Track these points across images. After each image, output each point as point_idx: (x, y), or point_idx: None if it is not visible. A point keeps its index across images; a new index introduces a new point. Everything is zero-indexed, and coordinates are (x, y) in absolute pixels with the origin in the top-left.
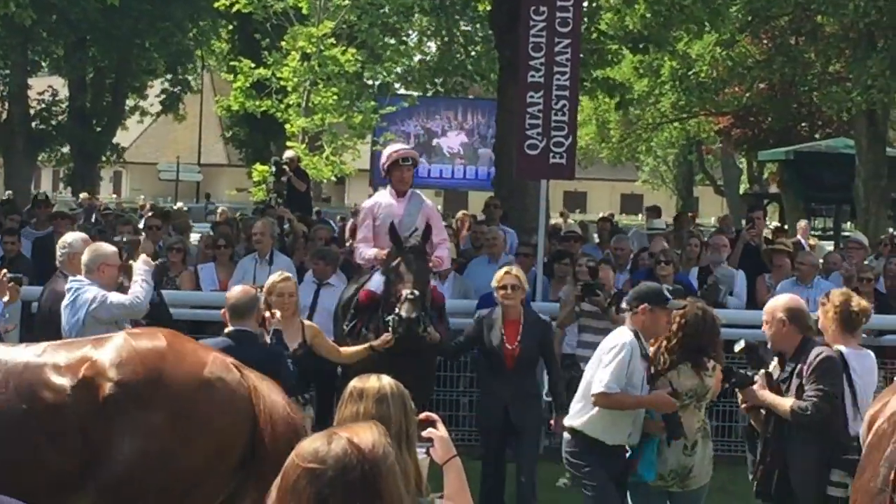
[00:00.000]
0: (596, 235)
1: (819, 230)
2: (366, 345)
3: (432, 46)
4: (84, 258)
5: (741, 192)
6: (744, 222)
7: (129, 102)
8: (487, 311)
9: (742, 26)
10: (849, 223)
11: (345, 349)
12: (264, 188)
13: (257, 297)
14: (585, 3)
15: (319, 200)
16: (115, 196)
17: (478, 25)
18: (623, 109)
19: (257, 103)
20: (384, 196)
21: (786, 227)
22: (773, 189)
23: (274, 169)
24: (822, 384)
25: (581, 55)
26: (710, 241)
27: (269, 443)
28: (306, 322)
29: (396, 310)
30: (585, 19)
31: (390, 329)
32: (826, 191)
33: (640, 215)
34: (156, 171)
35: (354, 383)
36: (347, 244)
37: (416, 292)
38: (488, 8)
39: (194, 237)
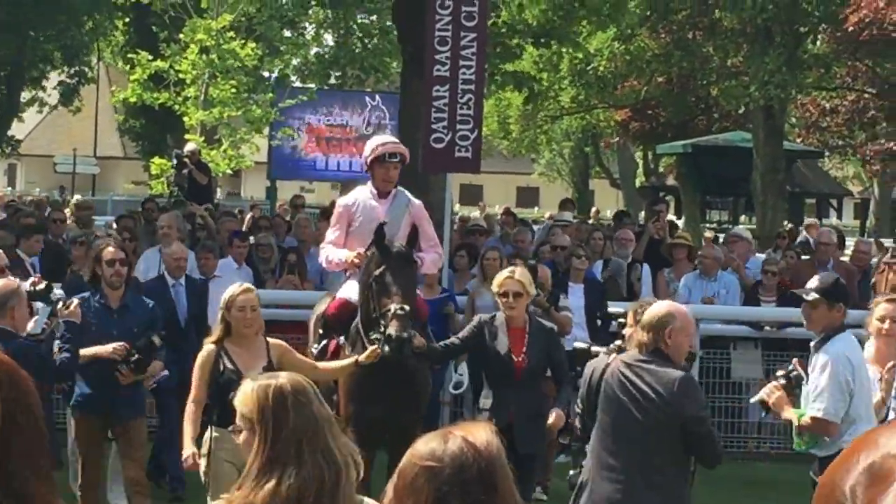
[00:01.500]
0: (498, 228)
1: (715, 223)
2: (350, 359)
3: (329, 39)
4: None
5: (637, 185)
6: (642, 215)
7: (25, 94)
8: (489, 315)
9: (641, 21)
10: (745, 216)
11: (324, 364)
12: (164, 181)
13: (17, 293)
14: None
15: (233, 196)
16: (10, 189)
17: (374, 17)
18: (533, 102)
19: (155, 95)
20: (364, 194)
21: (681, 220)
22: (670, 182)
23: (175, 162)
24: None
25: (486, 49)
26: (615, 236)
27: None
28: (272, 340)
29: (383, 328)
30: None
31: (379, 349)
32: (723, 184)
33: (535, 208)
34: (52, 164)
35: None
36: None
37: (406, 307)
38: (390, 2)
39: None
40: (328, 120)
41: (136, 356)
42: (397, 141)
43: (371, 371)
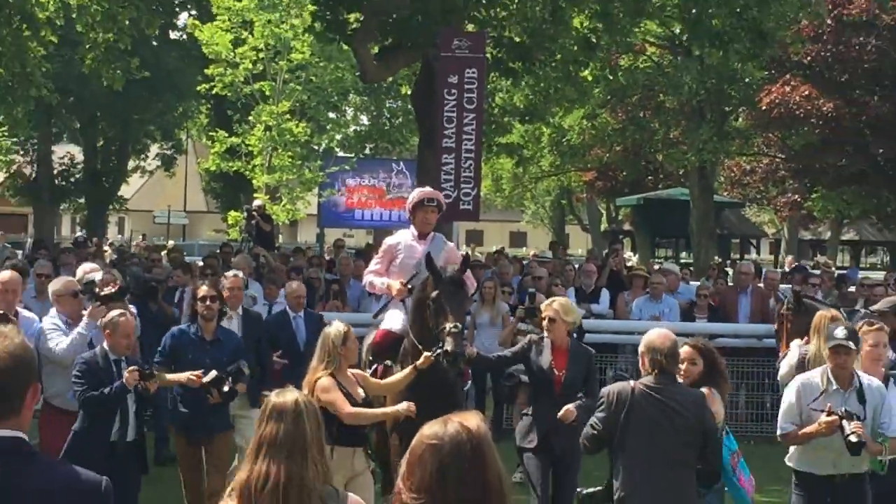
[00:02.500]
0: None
1: (662, 258)
2: (408, 369)
3: (364, 119)
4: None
5: (602, 229)
6: (605, 253)
7: (131, 163)
8: (539, 335)
9: (602, 103)
10: (685, 253)
11: (387, 380)
12: (237, 229)
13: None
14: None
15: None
16: (119, 237)
17: (399, 103)
18: (522, 166)
19: (230, 164)
20: (406, 236)
21: (636, 256)
22: (627, 227)
23: (245, 214)
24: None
25: (483, 126)
26: (582, 268)
27: None
28: (353, 371)
29: (442, 344)
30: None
31: (432, 357)
32: (668, 229)
33: (524, 248)
34: (151, 217)
35: (274, 400)
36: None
37: (459, 325)
38: (409, 90)
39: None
40: (363, 181)
41: (228, 381)
42: (435, 191)
43: (415, 384)
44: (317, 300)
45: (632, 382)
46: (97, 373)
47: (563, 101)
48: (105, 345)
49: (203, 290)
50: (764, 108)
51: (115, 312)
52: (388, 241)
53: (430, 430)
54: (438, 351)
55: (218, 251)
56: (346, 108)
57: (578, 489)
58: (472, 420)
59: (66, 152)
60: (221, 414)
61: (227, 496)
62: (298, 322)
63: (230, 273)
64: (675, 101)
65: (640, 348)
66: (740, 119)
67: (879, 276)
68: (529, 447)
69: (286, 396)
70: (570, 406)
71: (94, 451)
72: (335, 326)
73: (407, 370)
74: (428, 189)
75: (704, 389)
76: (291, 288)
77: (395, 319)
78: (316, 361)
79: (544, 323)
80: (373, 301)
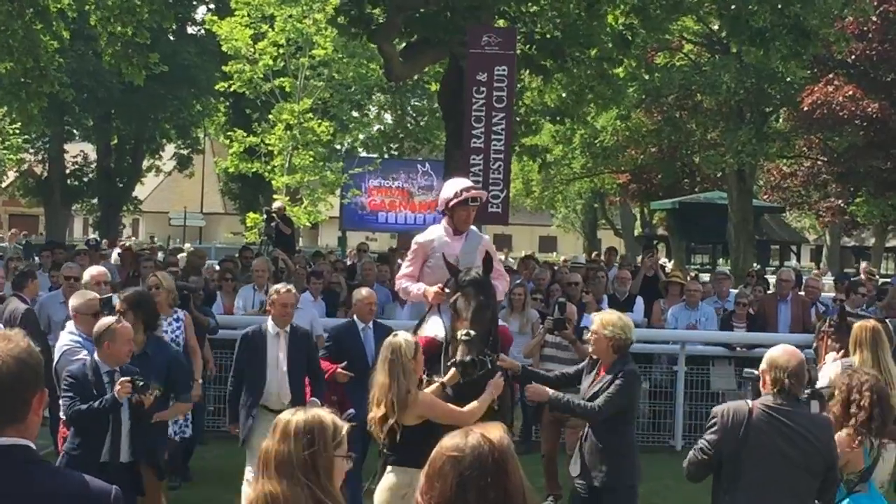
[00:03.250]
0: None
1: (698, 265)
2: (436, 384)
3: (389, 118)
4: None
5: (636, 234)
6: (639, 258)
7: (146, 163)
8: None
9: (637, 103)
10: (722, 259)
11: (463, 409)
12: (256, 232)
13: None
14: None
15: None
16: (133, 238)
17: (424, 101)
18: (544, 170)
19: (248, 165)
20: (439, 232)
21: (670, 262)
22: (662, 232)
23: (265, 216)
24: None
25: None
26: (616, 275)
27: None
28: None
29: (453, 352)
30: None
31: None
32: (704, 234)
33: (554, 253)
34: (167, 218)
35: (285, 418)
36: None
37: (472, 332)
38: (437, 87)
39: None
40: (387, 183)
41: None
42: (478, 186)
43: (460, 390)
44: (339, 306)
45: (749, 402)
46: (87, 386)
47: (597, 100)
48: (96, 356)
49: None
50: (806, 108)
51: (108, 320)
52: (420, 239)
53: (451, 441)
54: (452, 360)
55: (237, 255)
56: (370, 106)
57: None
58: (495, 432)
59: (80, 151)
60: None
61: None
62: (368, 333)
63: (281, 287)
64: (713, 101)
65: (762, 366)
66: (781, 120)
67: None
68: (573, 475)
69: (298, 415)
70: (542, 387)
71: (82, 472)
72: (404, 337)
73: (434, 385)
74: (468, 184)
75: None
76: (361, 295)
77: (437, 326)
78: (387, 378)
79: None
80: (397, 307)
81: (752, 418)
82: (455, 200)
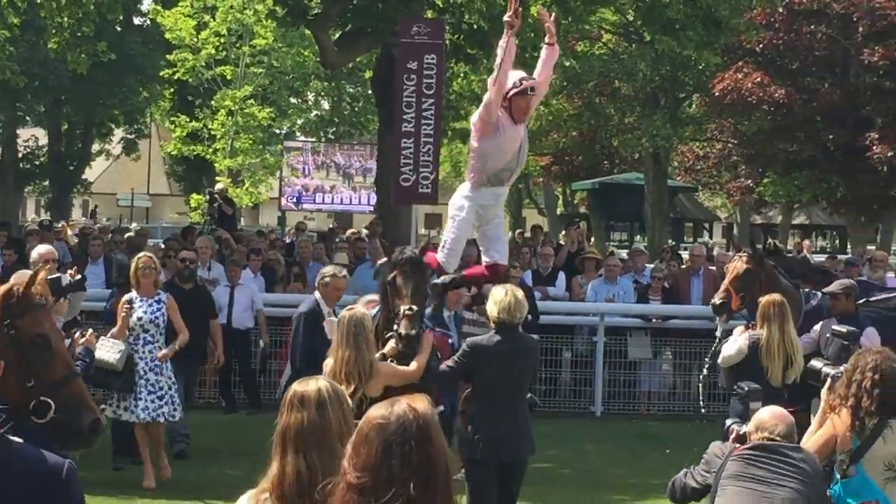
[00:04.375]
0: None
1: (617, 242)
2: (379, 355)
3: (326, 104)
4: None
5: (558, 213)
6: (562, 235)
7: (95, 147)
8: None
9: (558, 89)
10: (639, 236)
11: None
12: (199, 212)
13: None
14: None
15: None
16: (84, 219)
17: (359, 88)
18: None
19: (192, 148)
20: (502, 115)
21: (591, 240)
22: (583, 210)
23: (208, 198)
24: None
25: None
26: (538, 251)
27: None
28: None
29: (395, 326)
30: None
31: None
32: (623, 213)
33: None
34: (115, 199)
35: (296, 387)
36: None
37: (414, 308)
38: (370, 75)
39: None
40: (325, 164)
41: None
42: (532, 78)
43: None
44: (276, 282)
45: (730, 446)
46: None
47: None
48: None
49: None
50: (717, 94)
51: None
52: (485, 116)
53: (377, 411)
54: (391, 334)
55: (180, 234)
56: (308, 92)
57: None
58: (420, 402)
59: (31, 135)
60: None
61: (260, 494)
62: (451, 321)
63: (337, 271)
64: (630, 87)
65: (750, 427)
66: (694, 105)
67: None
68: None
69: (309, 384)
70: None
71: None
72: (361, 310)
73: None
74: (527, 75)
75: None
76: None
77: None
78: (352, 351)
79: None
80: None
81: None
82: (514, 91)
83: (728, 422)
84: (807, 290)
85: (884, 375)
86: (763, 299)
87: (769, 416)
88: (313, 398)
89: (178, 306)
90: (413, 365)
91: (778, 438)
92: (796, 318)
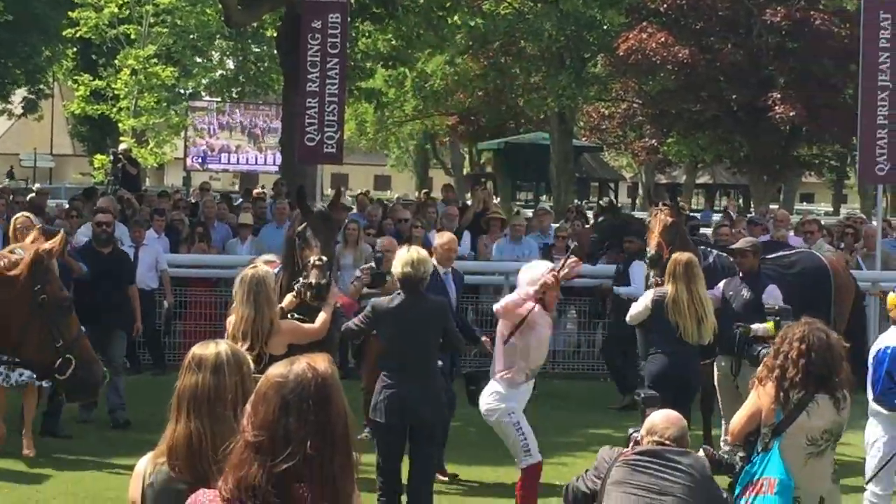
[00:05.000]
0: (355, 206)
1: (523, 202)
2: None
3: (231, 63)
4: None
5: (465, 173)
6: (468, 195)
7: None
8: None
9: (464, 49)
10: (545, 196)
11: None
12: (103, 172)
13: None
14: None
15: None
16: None
17: (265, 47)
18: (379, 112)
19: (95, 107)
20: None
21: (497, 199)
22: (489, 170)
23: (112, 158)
24: None
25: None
26: (444, 211)
27: None
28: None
29: (304, 276)
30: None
31: (299, 294)
32: (529, 173)
33: (388, 191)
34: (18, 160)
35: (195, 350)
36: None
37: (324, 258)
38: (275, 34)
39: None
40: (229, 125)
41: None
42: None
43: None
44: (181, 243)
45: (618, 450)
46: None
47: (426, 46)
48: None
49: None
50: (621, 54)
51: None
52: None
53: (276, 369)
54: (300, 283)
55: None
56: (213, 52)
57: None
58: (321, 361)
59: None
60: None
61: (158, 457)
62: (448, 279)
63: (447, 235)
64: (536, 47)
65: (642, 431)
66: (598, 65)
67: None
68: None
69: (209, 347)
70: None
71: None
72: (263, 268)
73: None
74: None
75: None
76: (442, 240)
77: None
78: (252, 310)
79: None
80: (238, 243)
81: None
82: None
83: (630, 430)
84: (702, 248)
85: (810, 346)
86: (672, 258)
87: (661, 420)
88: (210, 362)
89: (97, 271)
90: (317, 322)
91: (668, 442)
92: None
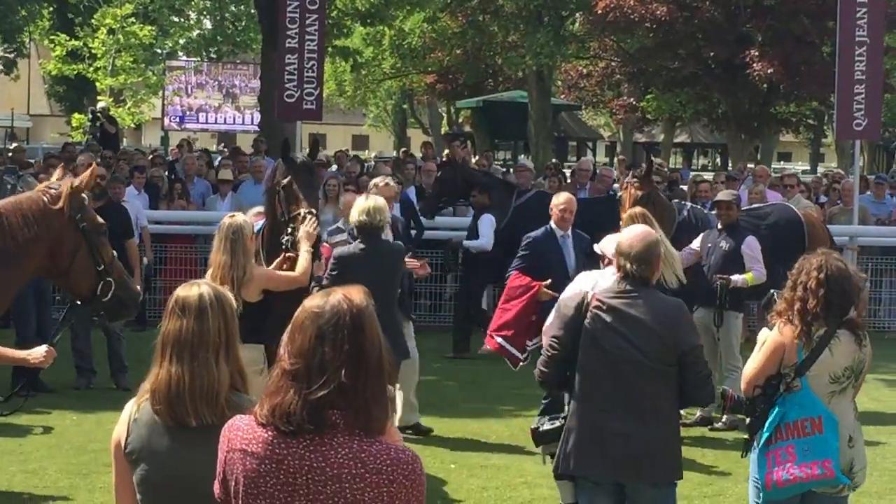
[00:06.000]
0: (335, 164)
1: (501, 160)
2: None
3: (208, 23)
4: None
5: (443, 132)
6: (444, 153)
7: None
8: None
9: (443, 7)
10: (523, 155)
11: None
12: (81, 131)
13: None
14: None
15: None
16: None
17: (242, 6)
18: (356, 71)
19: (72, 67)
20: None
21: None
22: (468, 129)
23: (90, 116)
24: None
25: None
26: (421, 167)
27: None
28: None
29: (292, 230)
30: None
31: (290, 246)
32: (507, 131)
33: (366, 150)
34: None
35: (178, 293)
36: None
37: (314, 210)
38: None
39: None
40: (207, 83)
41: None
42: None
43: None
44: (160, 199)
45: (589, 292)
46: None
47: (404, 4)
48: None
49: None
50: (599, 12)
51: None
52: None
53: (313, 301)
54: (287, 238)
55: (60, 152)
56: (190, 11)
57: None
58: (356, 293)
59: None
60: None
61: (141, 397)
62: (566, 243)
63: (560, 195)
64: (514, 5)
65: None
66: (577, 23)
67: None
68: None
69: (192, 289)
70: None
71: None
72: (242, 217)
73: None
74: None
75: None
76: (558, 200)
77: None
78: (228, 256)
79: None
80: (218, 199)
81: (590, 307)
82: None
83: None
84: (676, 201)
85: (829, 275)
86: (625, 215)
87: (626, 238)
88: (194, 305)
89: None
90: (298, 268)
91: (634, 265)
92: (670, 229)
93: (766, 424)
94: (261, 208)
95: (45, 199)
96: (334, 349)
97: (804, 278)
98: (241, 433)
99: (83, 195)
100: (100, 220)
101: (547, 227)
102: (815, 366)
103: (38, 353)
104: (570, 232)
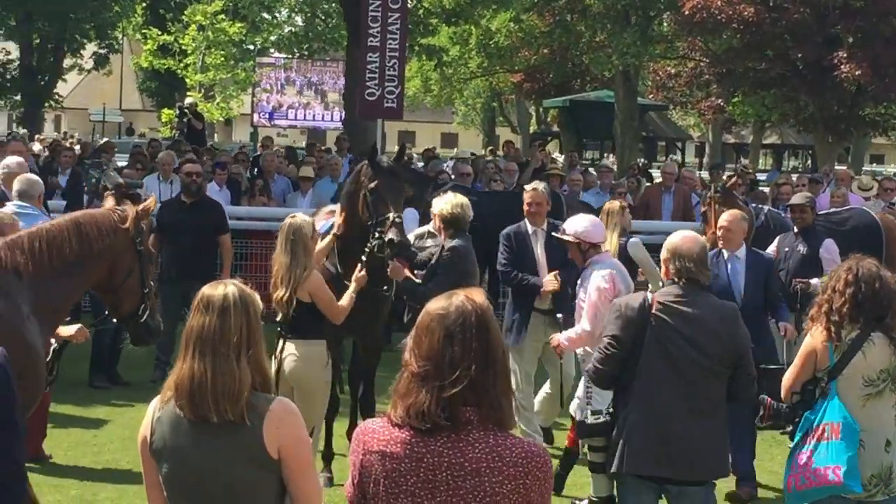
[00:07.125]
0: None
1: (588, 160)
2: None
3: (299, 20)
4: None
5: (531, 131)
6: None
7: (67, 61)
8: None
9: (530, 6)
10: (610, 154)
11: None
12: (170, 127)
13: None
14: None
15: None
16: (56, 134)
17: (333, 3)
18: (440, 69)
19: (163, 62)
20: None
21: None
22: (555, 128)
23: (178, 112)
24: None
25: (409, 26)
26: (503, 167)
27: None
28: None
29: (379, 234)
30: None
31: (376, 250)
32: (593, 130)
33: (455, 149)
34: (87, 115)
35: (204, 290)
36: None
37: (401, 216)
38: None
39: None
40: (297, 80)
41: None
42: None
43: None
44: (241, 194)
45: (649, 295)
46: None
47: (490, 3)
48: None
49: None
50: (687, 12)
51: None
52: None
53: (437, 303)
54: (375, 242)
55: (148, 146)
56: (281, 8)
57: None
58: (478, 295)
59: (2, 48)
60: None
61: (167, 391)
62: (735, 264)
63: (728, 214)
64: (602, 4)
65: (663, 254)
66: (664, 23)
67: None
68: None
69: (217, 288)
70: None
71: None
72: (303, 218)
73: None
74: None
75: None
76: (525, 195)
77: None
78: (289, 258)
79: None
80: (298, 195)
81: (652, 311)
82: None
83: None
84: (754, 205)
85: (857, 276)
86: (605, 206)
87: (682, 240)
88: (218, 303)
89: (180, 221)
90: (343, 300)
91: (694, 267)
92: (749, 233)
93: (798, 427)
94: (333, 207)
95: (115, 217)
96: (463, 347)
97: (833, 282)
98: (378, 435)
99: (144, 222)
100: (150, 246)
101: (521, 223)
102: (847, 368)
103: (70, 330)
104: (545, 227)
